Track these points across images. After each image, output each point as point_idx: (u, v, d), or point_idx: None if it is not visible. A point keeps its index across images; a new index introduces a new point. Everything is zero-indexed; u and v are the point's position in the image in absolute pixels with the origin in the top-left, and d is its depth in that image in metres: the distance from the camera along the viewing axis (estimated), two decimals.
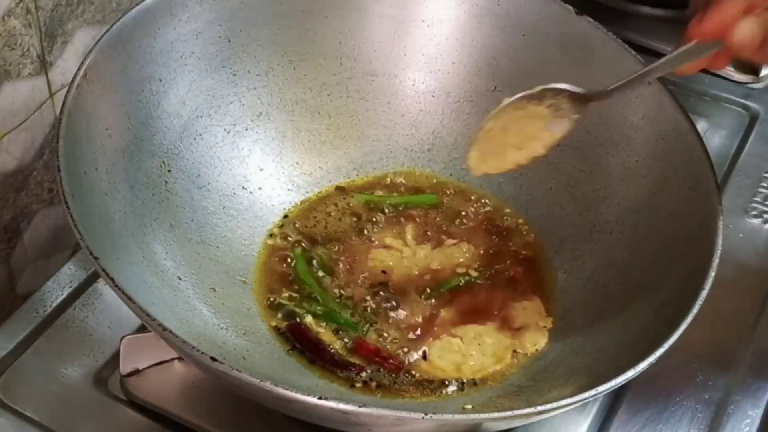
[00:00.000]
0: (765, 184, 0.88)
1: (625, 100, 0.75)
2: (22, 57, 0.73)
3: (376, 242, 0.77)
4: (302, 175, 0.80)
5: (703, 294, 0.61)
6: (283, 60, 0.79)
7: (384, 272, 0.75)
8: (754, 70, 1.00)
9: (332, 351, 0.68)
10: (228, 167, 0.77)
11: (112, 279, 0.56)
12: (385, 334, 0.70)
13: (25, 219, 0.81)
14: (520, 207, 0.80)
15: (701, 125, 0.92)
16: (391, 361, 0.68)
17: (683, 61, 0.63)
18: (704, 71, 0.99)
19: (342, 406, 0.52)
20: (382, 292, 0.73)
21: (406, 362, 0.69)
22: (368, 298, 0.73)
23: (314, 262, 0.75)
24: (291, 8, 0.79)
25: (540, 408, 0.55)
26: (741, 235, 0.83)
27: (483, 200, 0.81)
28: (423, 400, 0.67)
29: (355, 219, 0.79)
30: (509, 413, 0.55)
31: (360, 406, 0.52)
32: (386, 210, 0.79)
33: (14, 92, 0.74)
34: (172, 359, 0.69)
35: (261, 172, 0.78)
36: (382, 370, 0.68)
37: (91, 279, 0.75)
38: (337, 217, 0.79)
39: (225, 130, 0.77)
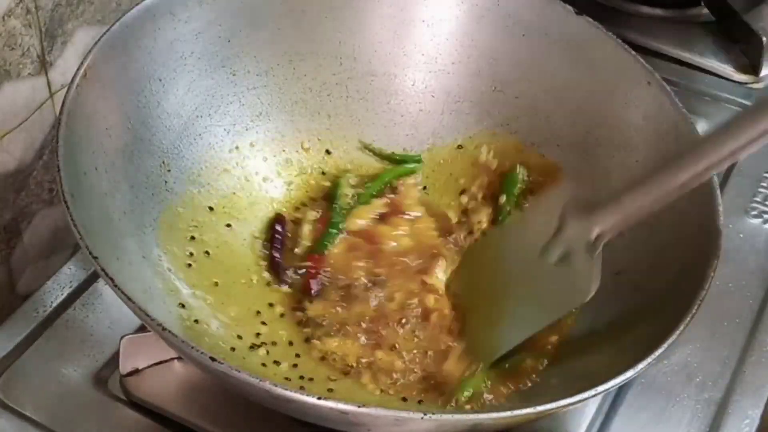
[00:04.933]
0: (765, 184, 0.88)
1: (625, 100, 0.75)
2: (22, 57, 0.73)
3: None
4: (302, 175, 0.80)
5: (703, 294, 0.61)
6: (283, 60, 0.79)
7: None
8: (754, 70, 1.00)
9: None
10: (228, 167, 0.77)
11: (111, 279, 0.56)
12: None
13: (25, 219, 0.81)
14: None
15: (701, 125, 0.92)
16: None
17: None
18: (704, 71, 1.00)
19: (341, 405, 0.52)
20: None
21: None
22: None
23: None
24: (291, 8, 0.79)
25: (540, 408, 0.55)
26: (741, 235, 0.83)
27: None
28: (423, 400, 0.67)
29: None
30: (509, 413, 0.55)
31: (359, 406, 0.52)
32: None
33: (14, 92, 0.74)
34: (172, 359, 0.69)
35: (261, 172, 0.78)
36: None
37: (91, 279, 0.75)
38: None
39: (225, 130, 0.77)
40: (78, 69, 0.65)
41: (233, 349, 0.66)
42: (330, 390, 0.66)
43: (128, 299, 0.55)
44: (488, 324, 0.70)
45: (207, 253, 0.72)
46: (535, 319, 0.67)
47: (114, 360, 0.69)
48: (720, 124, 0.59)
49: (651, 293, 0.67)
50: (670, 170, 0.61)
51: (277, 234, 0.75)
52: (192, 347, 0.54)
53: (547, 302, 0.67)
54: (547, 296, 0.67)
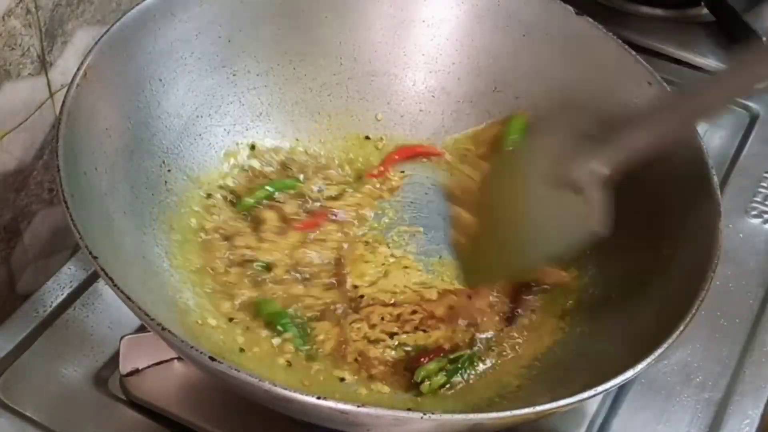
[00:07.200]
0: (765, 184, 0.88)
1: (625, 101, 0.75)
2: (22, 57, 0.73)
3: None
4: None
5: (703, 294, 0.61)
6: (283, 60, 0.79)
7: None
8: None
9: None
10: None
11: (111, 279, 0.56)
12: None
13: (25, 219, 0.81)
14: None
15: (701, 125, 0.92)
16: None
17: None
18: (704, 71, 1.00)
19: (341, 405, 0.52)
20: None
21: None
22: None
23: None
24: (291, 8, 0.79)
25: (540, 408, 0.55)
26: (741, 235, 0.83)
27: None
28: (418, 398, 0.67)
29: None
30: (509, 413, 0.55)
31: (359, 406, 0.52)
32: None
33: (14, 92, 0.74)
34: (172, 359, 0.69)
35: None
36: None
37: (91, 279, 0.75)
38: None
39: (225, 130, 0.77)
40: (78, 69, 0.65)
41: (233, 348, 0.66)
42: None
43: (128, 299, 0.55)
44: (497, 249, 0.72)
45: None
46: (543, 247, 0.69)
47: (114, 360, 0.69)
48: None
49: (651, 293, 0.67)
50: (671, 110, 0.64)
51: None
52: (191, 347, 0.54)
53: (556, 231, 0.68)
54: (555, 225, 0.68)
